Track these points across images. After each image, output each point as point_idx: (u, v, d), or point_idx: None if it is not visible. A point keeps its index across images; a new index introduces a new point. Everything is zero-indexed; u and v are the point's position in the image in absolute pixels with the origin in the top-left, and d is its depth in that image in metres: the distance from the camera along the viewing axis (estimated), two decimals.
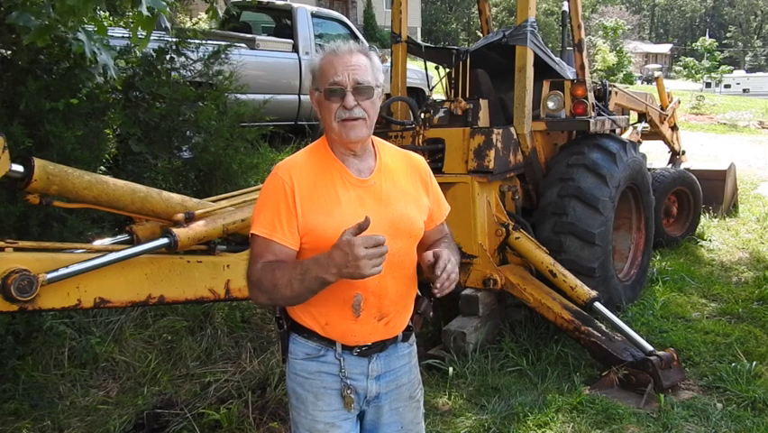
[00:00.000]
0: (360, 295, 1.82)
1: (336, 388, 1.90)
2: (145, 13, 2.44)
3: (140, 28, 2.59)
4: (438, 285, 1.76)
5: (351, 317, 1.85)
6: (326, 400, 1.90)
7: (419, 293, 2.02)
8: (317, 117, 1.91)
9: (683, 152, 8.36)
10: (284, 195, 1.80)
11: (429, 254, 1.81)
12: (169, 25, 3.73)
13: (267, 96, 5.99)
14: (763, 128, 18.70)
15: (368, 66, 1.83)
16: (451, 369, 4.04)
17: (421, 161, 2.03)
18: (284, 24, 8.75)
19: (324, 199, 1.81)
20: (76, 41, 2.95)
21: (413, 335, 2.05)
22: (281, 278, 1.72)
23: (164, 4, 2.54)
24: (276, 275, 1.73)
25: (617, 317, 4.28)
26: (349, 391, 1.89)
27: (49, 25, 2.61)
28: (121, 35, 4.83)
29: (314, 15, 8.60)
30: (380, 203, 1.86)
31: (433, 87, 5.75)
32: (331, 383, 1.90)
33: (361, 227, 1.64)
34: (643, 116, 7.23)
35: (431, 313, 2.07)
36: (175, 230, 2.72)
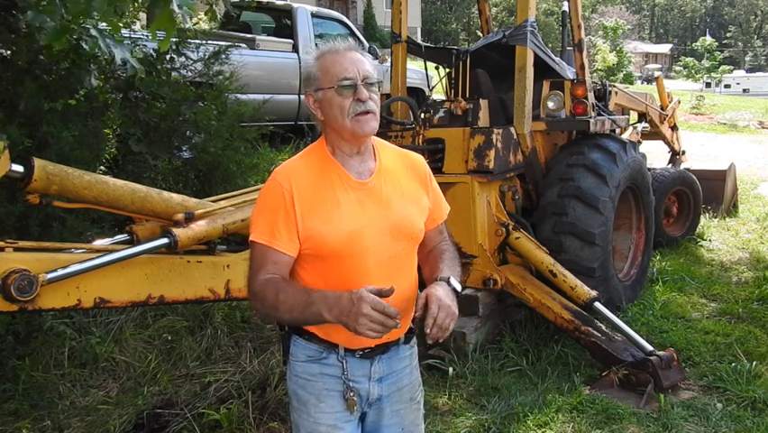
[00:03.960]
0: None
1: (338, 390, 1.89)
2: (177, 11, 2.43)
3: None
4: (430, 339, 1.70)
5: None
6: (329, 402, 1.89)
7: (420, 294, 2.02)
8: (314, 118, 1.90)
9: (683, 152, 8.36)
10: (282, 201, 1.79)
11: (422, 296, 1.75)
12: (190, 24, 3.76)
13: (267, 96, 6.00)
14: (763, 128, 18.70)
15: (369, 62, 1.85)
16: (451, 369, 4.04)
17: (420, 160, 2.02)
18: (284, 24, 8.75)
19: (324, 203, 1.80)
20: (90, 38, 2.95)
21: (414, 336, 2.05)
22: (284, 302, 1.72)
23: (192, 1, 2.54)
24: (279, 298, 1.73)
25: (617, 317, 4.28)
26: (351, 394, 1.88)
27: (65, 26, 2.61)
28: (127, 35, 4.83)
29: (314, 15, 8.60)
30: (381, 205, 1.85)
31: (433, 87, 5.75)
32: (333, 385, 1.89)
33: (382, 293, 1.63)
34: (643, 116, 7.23)
35: None
36: (175, 230, 2.71)
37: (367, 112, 1.80)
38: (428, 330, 1.68)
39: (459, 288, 1.84)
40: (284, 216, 1.79)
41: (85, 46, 3.45)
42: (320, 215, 1.79)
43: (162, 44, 2.91)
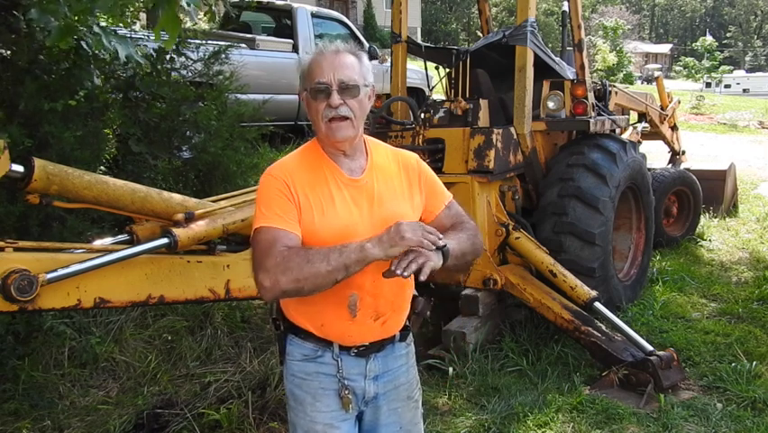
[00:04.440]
0: (355, 295, 1.82)
1: (334, 389, 1.90)
2: (186, 8, 2.43)
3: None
4: (397, 270, 1.67)
5: (347, 318, 1.85)
6: (324, 400, 1.90)
7: (416, 293, 2.02)
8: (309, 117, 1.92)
9: (683, 152, 8.36)
10: (283, 189, 1.80)
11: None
12: (190, 24, 3.76)
13: (267, 96, 6.00)
14: (763, 128, 18.70)
15: (354, 65, 1.82)
16: (451, 369, 4.04)
17: (412, 158, 2.02)
18: (284, 24, 8.76)
19: (318, 198, 1.82)
20: (93, 36, 2.95)
21: (410, 335, 2.05)
22: (316, 253, 1.68)
23: None
24: (310, 252, 1.70)
25: (617, 317, 4.28)
26: (347, 392, 1.89)
27: (70, 27, 2.60)
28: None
29: (314, 15, 8.61)
30: (373, 202, 1.86)
31: (433, 87, 5.75)
32: (329, 384, 1.90)
33: None
34: (643, 116, 7.23)
35: (428, 313, 2.07)
36: (175, 230, 2.71)
37: (341, 118, 1.79)
38: (393, 266, 1.68)
39: (444, 244, 1.75)
40: (287, 201, 1.79)
41: (85, 46, 3.45)
42: (315, 209, 1.80)
43: (167, 44, 2.91)
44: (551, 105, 4.97)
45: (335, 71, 1.79)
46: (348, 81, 1.79)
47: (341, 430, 1.91)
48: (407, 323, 2.01)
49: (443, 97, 5.78)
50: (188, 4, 2.47)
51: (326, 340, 1.88)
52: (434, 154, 4.56)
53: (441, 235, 1.72)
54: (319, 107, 1.80)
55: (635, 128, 6.73)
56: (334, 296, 1.81)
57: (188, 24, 5.17)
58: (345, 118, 1.80)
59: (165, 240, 2.68)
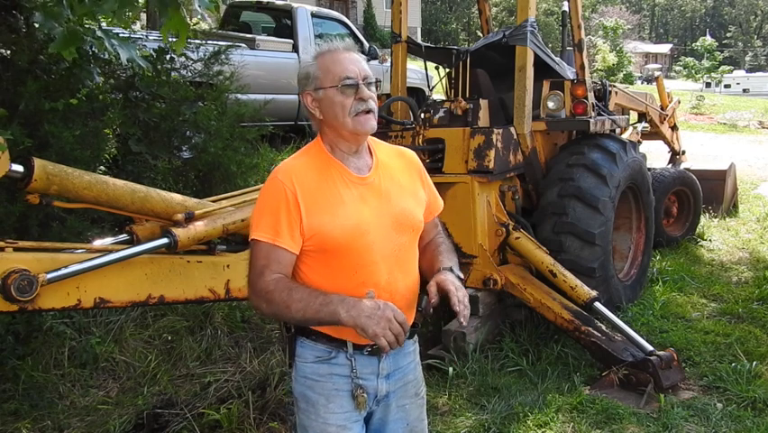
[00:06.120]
0: (372, 293, 1.82)
1: (347, 390, 1.89)
2: (197, 8, 2.44)
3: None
4: (462, 319, 1.82)
5: None
6: (338, 402, 1.89)
7: (429, 283, 2.03)
8: (310, 118, 1.94)
9: (683, 152, 8.37)
10: (285, 199, 1.80)
11: (431, 284, 1.85)
12: (191, 24, 3.80)
13: (267, 97, 6.00)
14: (763, 128, 18.71)
15: (364, 62, 1.90)
16: (451, 369, 4.04)
17: (414, 155, 2.07)
18: (284, 24, 8.77)
19: (328, 199, 1.82)
20: (96, 40, 2.94)
21: (416, 332, 2.06)
22: (297, 301, 1.74)
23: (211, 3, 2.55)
24: (292, 296, 1.75)
25: (617, 317, 4.28)
26: (361, 392, 1.89)
27: (74, 34, 2.58)
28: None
29: (314, 15, 8.62)
30: (381, 199, 1.88)
31: (433, 87, 5.75)
32: (342, 385, 1.89)
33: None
34: (643, 116, 7.23)
35: (431, 310, 2.07)
36: (175, 230, 2.71)
37: (368, 111, 1.84)
38: (457, 308, 1.80)
39: (461, 276, 1.91)
40: (286, 214, 1.80)
41: (85, 47, 3.43)
42: (325, 211, 1.81)
43: (177, 46, 2.91)
44: (551, 105, 4.97)
45: (357, 66, 1.85)
46: (369, 76, 1.86)
47: (353, 431, 1.91)
48: (415, 320, 2.01)
49: (443, 97, 5.78)
50: (199, 6, 2.47)
51: (339, 340, 1.88)
52: (434, 154, 4.56)
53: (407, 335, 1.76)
54: (346, 102, 1.83)
55: (635, 128, 6.73)
56: (351, 294, 1.80)
57: (191, 24, 5.17)
58: (371, 111, 1.85)
59: (165, 240, 2.69)
